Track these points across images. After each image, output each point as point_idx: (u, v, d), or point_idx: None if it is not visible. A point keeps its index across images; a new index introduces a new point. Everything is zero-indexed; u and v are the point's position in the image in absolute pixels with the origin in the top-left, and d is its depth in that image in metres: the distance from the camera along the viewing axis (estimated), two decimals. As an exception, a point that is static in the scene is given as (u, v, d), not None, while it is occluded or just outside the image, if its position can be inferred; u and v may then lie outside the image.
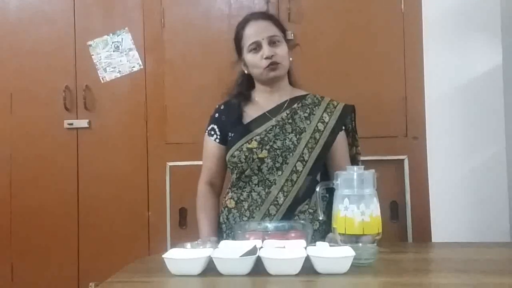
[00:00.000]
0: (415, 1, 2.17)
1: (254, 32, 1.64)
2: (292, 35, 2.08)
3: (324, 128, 1.65)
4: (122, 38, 2.36)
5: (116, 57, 2.36)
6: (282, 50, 1.63)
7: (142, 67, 2.35)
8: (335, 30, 2.22)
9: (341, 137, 1.68)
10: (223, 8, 2.29)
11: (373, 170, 1.29)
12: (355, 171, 1.27)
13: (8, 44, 2.45)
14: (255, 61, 1.64)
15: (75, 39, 2.39)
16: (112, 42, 2.37)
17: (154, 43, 2.34)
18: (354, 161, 1.71)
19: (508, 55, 2.18)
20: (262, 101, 1.70)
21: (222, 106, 1.75)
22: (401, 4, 2.18)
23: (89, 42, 2.39)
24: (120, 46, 2.36)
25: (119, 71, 2.36)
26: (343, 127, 1.69)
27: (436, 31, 2.20)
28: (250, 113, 1.69)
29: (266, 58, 1.60)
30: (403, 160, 2.16)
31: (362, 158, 1.77)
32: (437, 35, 2.20)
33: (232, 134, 1.67)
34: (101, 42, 2.38)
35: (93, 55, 2.38)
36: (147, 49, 2.34)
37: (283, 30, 1.69)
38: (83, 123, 2.37)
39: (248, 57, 1.65)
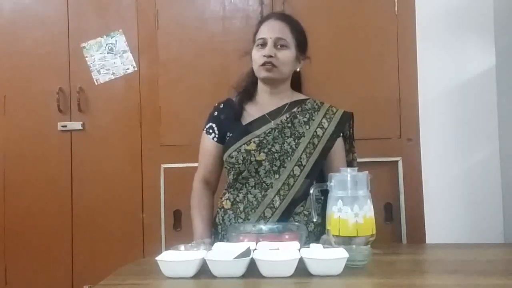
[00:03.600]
0: (409, 3, 2.18)
1: (267, 29, 1.65)
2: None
3: (323, 134, 1.65)
4: (116, 40, 2.36)
5: (110, 59, 2.36)
6: (284, 54, 1.63)
7: (136, 69, 2.34)
8: (329, 32, 2.22)
9: (339, 143, 1.69)
10: (217, 9, 2.29)
11: (366, 172, 1.29)
12: (348, 173, 1.27)
13: (1, 45, 2.44)
14: (256, 57, 1.65)
15: (68, 41, 2.39)
16: (106, 44, 2.36)
17: (148, 45, 2.33)
18: (350, 166, 1.70)
19: (501, 57, 2.19)
20: (263, 101, 1.71)
21: (222, 105, 1.75)
22: (395, 6, 2.19)
23: (83, 44, 2.38)
24: (114, 48, 2.36)
25: (113, 73, 2.36)
26: (341, 134, 1.70)
27: (429, 33, 2.21)
28: (251, 112, 1.69)
29: (264, 56, 1.61)
30: (397, 161, 2.16)
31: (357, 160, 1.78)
32: (430, 37, 2.21)
33: (231, 134, 1.67)
34: (95, 44, 2.37)
35: (86, 57, 2.38)
36: (141, 51, 2.34)
37: (299, 39, 1.68)
38: (77, 125, 2.37)
39: (253, 51, 1.67)
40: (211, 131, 1.71)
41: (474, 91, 2.22)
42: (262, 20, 1.71)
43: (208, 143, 1.72)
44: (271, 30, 1.64)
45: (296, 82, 1.77)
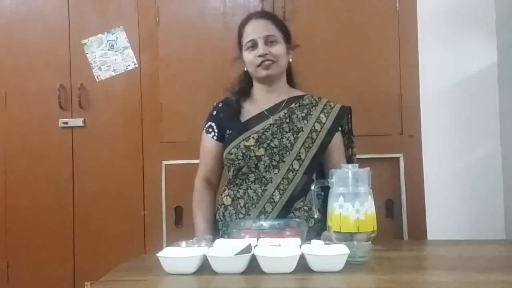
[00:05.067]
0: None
1: (252, 30, 1.66)
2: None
3: (321, 128, 1.66)
4: (116, 37, 2.36)
5: (111, 55, 2.36)
6: (277, 49, 1.65)
7: (137, 65, 2.34)
8: (330, 29, 2.22)
9: (338, 137, 1.70)
10: (217, 6, 2.29)
11: (368, 168, 1.29)
12: (350, 169, 1.27)
13: (2, 42, 2.44)
14: (250, 59, 1.66)
15: (69, 38, 2.39)
16: (107, 41, 2.36)
17: (149, 41, 2.33)
18: (350, 162, 1.73)
19: (502, 53, 2.19)
20: (260, 99, 1.72)
21: (220, 104, 1.76)
22: (396, 3, 2.18)
23: (84, 41, 2.38)
24: (114, 45, 2.35)
25: (114, 70, 2.35)
26: (339, 128, 1.71)
27: (431, 29, 2.21)
28: (249, 109, 1.71)
29: (260, 56, 1.63)
30: (398, 158, 2.16)
31: (357, 156, 1.79)
32: (432, 33, 2.21)
33: (230, 132, 1.69)
34: (96, 40, 2.37)
35: (87, 53, 2.38)
36: (142, 48, 2.34)
37: (284, 31, 1.70)
38: (78, 122, 2.37)
39: (245, 54, 1.68)
40: (210, 130, 1.73)
41: (475, 87, 2.21)
42: (243, 23, 1.71)
43: (208, 142, 1.73)
44: (258, 29, 1.66)
45: (288, 74, 1.77)
